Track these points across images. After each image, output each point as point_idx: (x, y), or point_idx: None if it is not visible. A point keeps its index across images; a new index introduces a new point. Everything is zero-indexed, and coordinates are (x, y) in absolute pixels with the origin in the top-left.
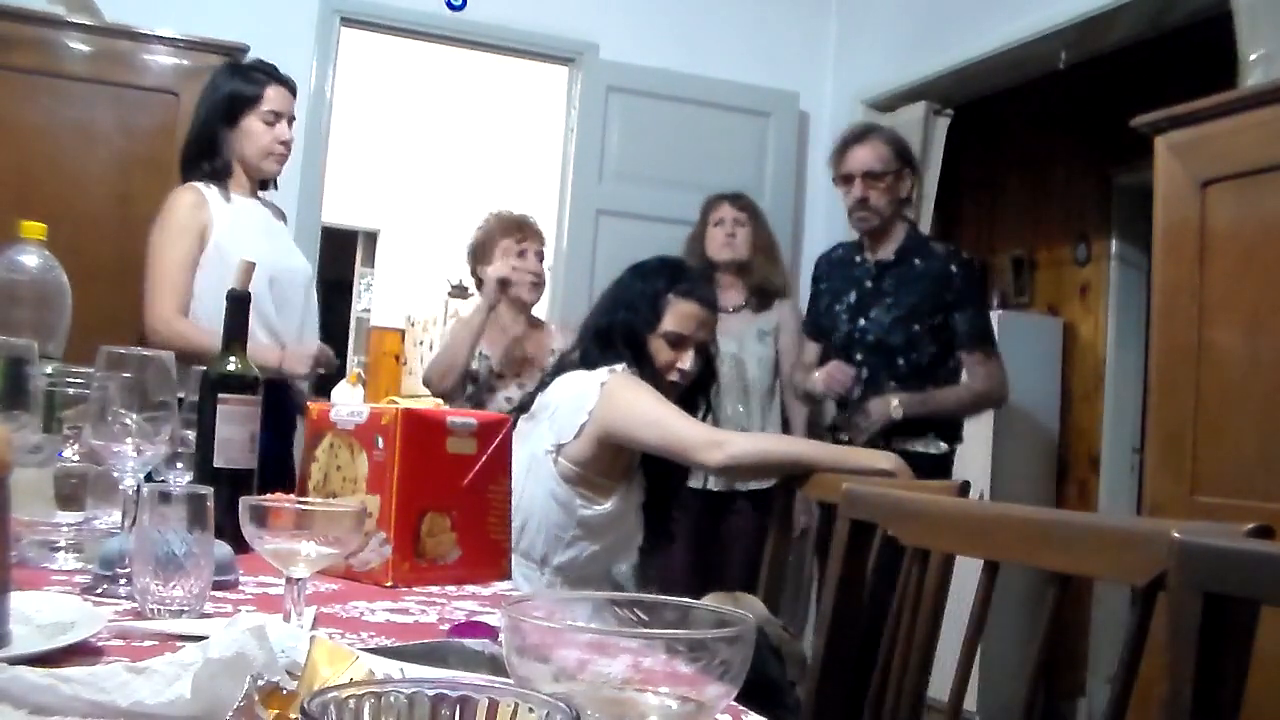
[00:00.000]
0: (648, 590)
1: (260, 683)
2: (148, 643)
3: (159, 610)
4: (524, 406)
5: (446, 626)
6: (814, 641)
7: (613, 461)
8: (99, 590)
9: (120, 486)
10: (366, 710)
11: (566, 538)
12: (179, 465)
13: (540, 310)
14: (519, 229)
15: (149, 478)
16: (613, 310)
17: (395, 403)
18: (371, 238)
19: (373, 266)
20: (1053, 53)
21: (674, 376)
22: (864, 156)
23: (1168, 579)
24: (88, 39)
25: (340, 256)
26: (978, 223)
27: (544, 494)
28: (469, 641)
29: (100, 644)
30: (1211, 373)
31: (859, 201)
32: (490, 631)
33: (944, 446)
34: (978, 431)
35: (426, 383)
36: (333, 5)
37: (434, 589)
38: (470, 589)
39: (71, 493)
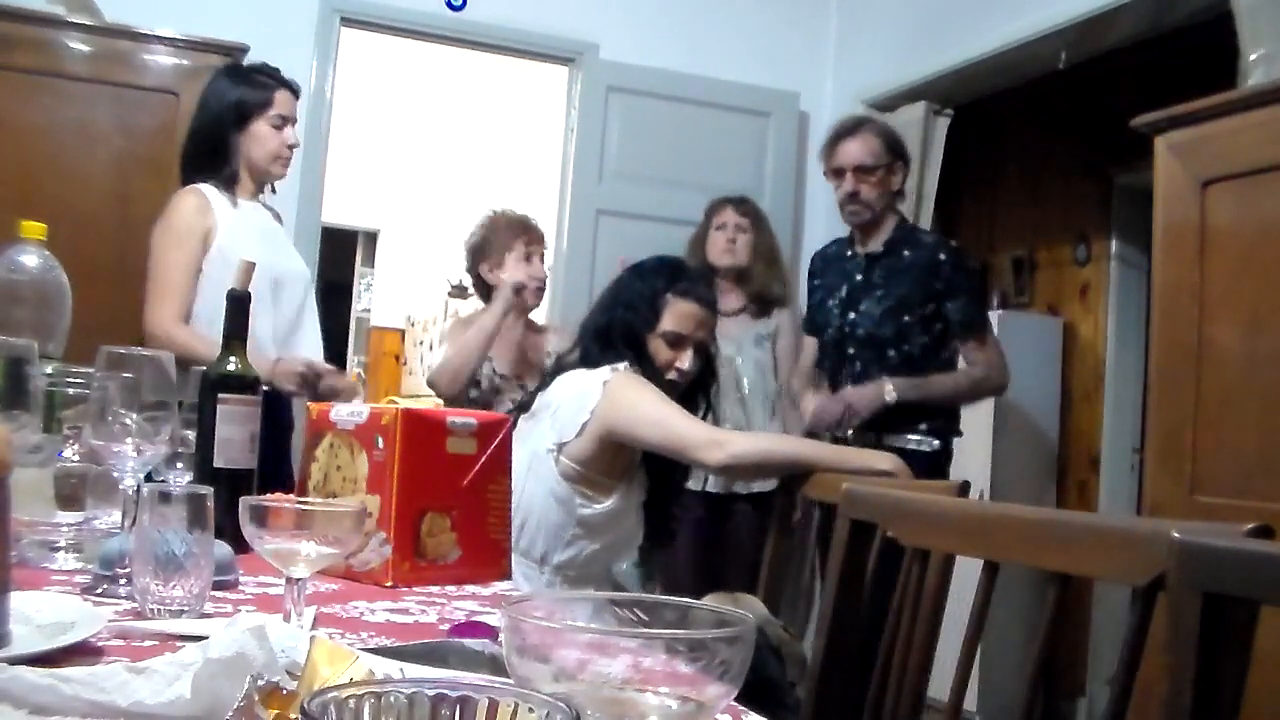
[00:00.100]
0: (651, 591)
1: (260, 683)
2: (148, 643)
3: (159, 610)
4: (524, 406)
5: (446, 626)
6: (814, 641)
7: (614, 460)
8: (99, 590)
9: (120, 486)
10: (366, 710)
11: (566, 536)
12: (179, 465)
13: (540, 310)
14: (525, 230)
15: (149, 478)
16: (612, 310)
17: (395, 403)
18: (371, 238)
19: (373, 266)
20: (1053, 53)
21: (673, 375)
22: (854, 150)
23: (1168, 579)
24: (88, 39)
25: (340, 256)
26: (978, 223)
27: (544, 493)
28: (469, 641)
29: (100, 644)
30: (1211, 372)
31: (850, 195)
32: (490, 631)
33: (936, 443)
34: (977, 431)
35: (433, 385)
36: (333, 5)
37: (434, 589)
38: (470, 589)
39: (71, 493)
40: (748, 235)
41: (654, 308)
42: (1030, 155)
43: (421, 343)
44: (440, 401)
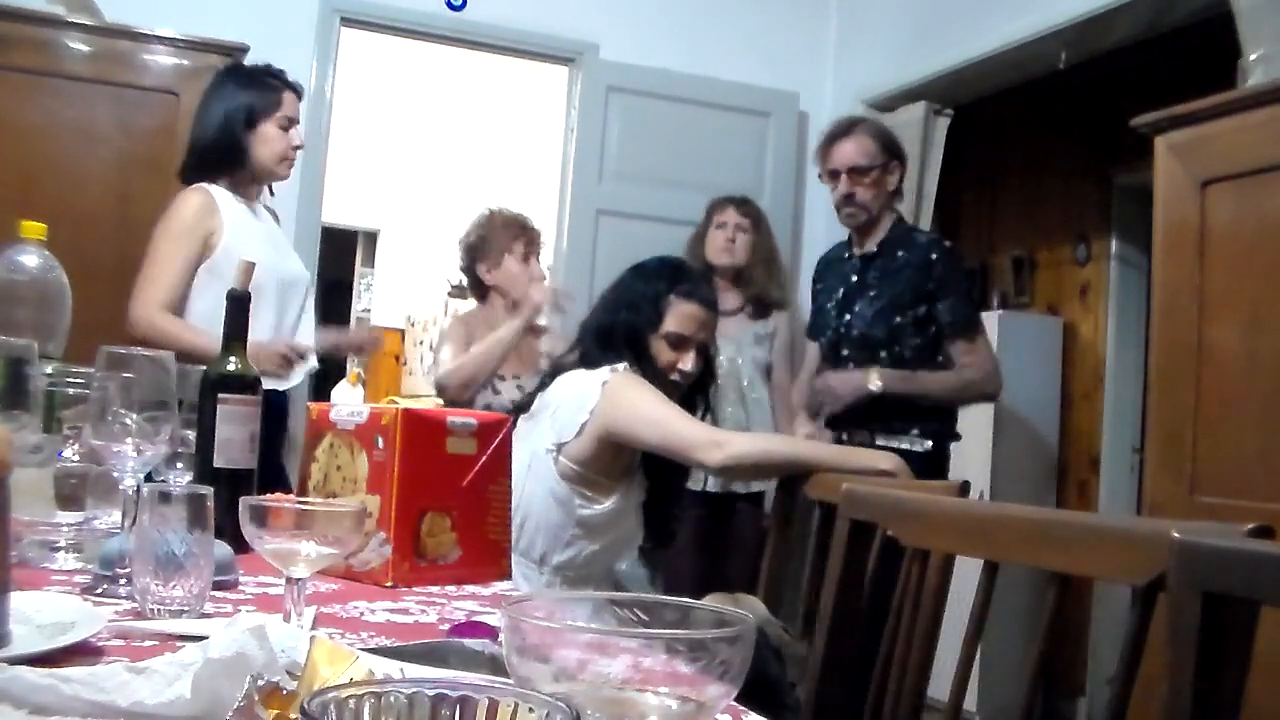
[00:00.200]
0: (652, 592)
1: (260, 683)
2: (148, 643)
3: (159, 610)
4: (524, 406)
5: (446, 626)
6: (814, 641)
7: (613, 461)
8: (99, 590)
9: (120, 486)
10: (366, 710)
11: (565, 537)
12: (179, 465)
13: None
14: (523, 231)
15: (149, 478)
16: (614, 310)
17: (395, 403)
18: (371, 238)
19: (373, 266)
20: (1053, 53)
21: (675, 377)
22: (849, 151)
23: (1168, 579)
24: (88, 39)
25: (340, 256)
26: (978, 223)
27: (543, 493)
28: (469, 641)
29: (100, 644)
30: (1211, 372)
31: (845, 198)
32: (490, 631)
33: (929, 445)
34: (977, 432)
35: (441, 389)
36: (333, 5)
37: (434, 589)
38: (470, 589)
39: (71, 493)
40: (748, 235)
41: (657, 309)
42: (1030, 155)
43: (421, 343)
44: (440, 402)
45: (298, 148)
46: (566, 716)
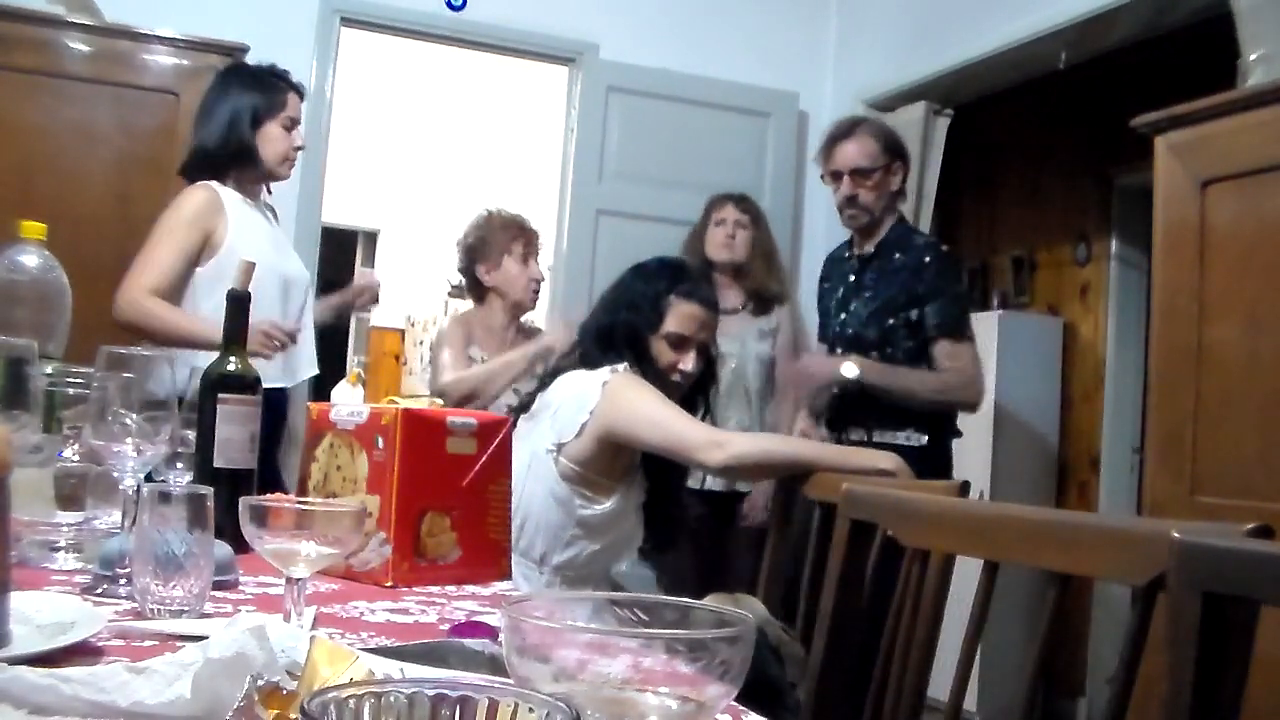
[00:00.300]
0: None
1: (260, 683)
2: (148, 643)
3: (159, 610)
4: (524, 406)
5: (446, 626)
6: (814, 641)
7: (613, 461)
8: (99, 590)
9: (120, 486)
10: (366, 710)
11: (565, 537)
12: (179, 465)
13: (540, 309)
14: (522, 232)
15: (149, 478)
16: (614, 311)
17: (395, 403)
18: (371, 238)
19: (373, 266)
20: (1053, 53)
21: (676, 378)
22: (851, 153)
23: (1168, 579)
24: (88, 39)
25: (340, 256)
26: (978, 223)
27: (544, 493)
28: (469, 641)
29: (100, 644)
30: (1211, 373)
31: (848, 199)
32: (490, 631)
33: (924, 440)
34: (977, 432)
35: (440, 396)
36: (333, 5)
37: (434, 589)
38: (470, 589)
39: (71, 493)
40: (747, 232)
41: (657, 309)
42: (1030, 155)
43: (421, 343)
44: (439, 401)
45: (299, 148)
46: (566, 716)
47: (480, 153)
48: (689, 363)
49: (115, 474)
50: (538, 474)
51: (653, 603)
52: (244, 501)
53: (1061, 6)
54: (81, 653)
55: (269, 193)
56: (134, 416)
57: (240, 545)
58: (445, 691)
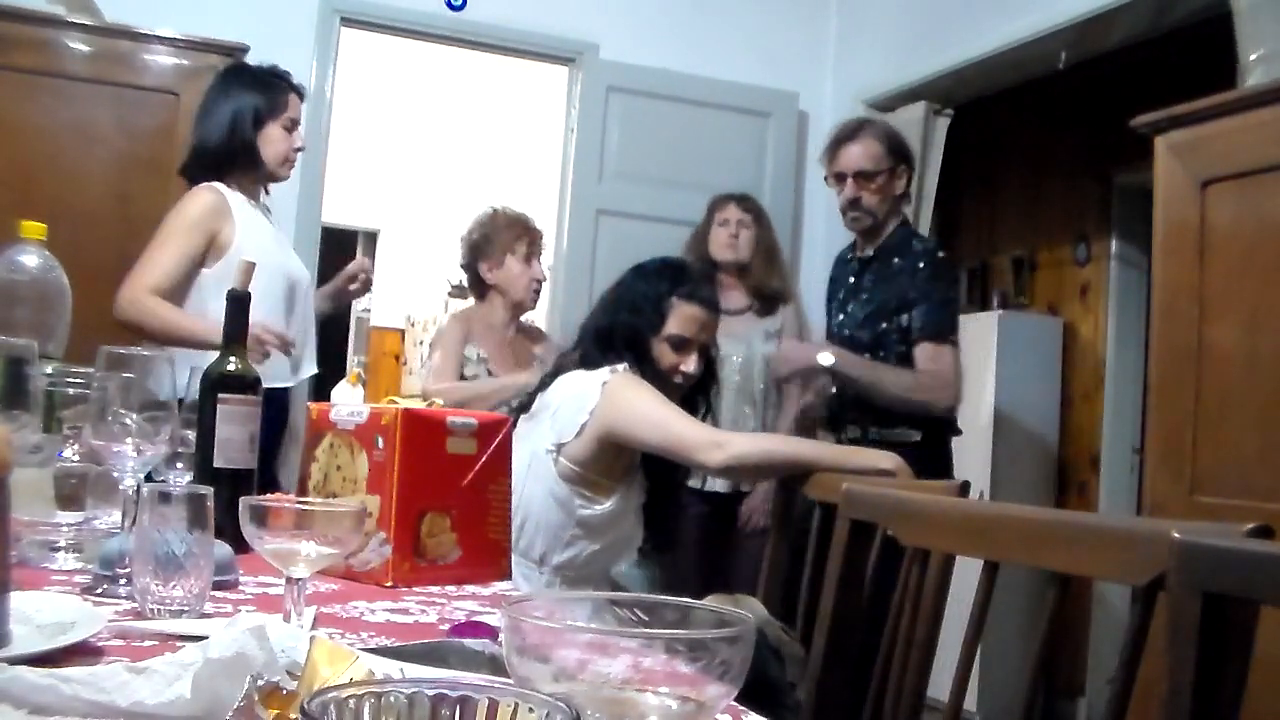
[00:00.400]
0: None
1: (260, 683)
2: (148, 643)
3: (159, 610)
4: (524, 406)
5: (446, 626)
6: (814, 641)
7: (613, 461)
8: (99, 590)
9: (120, 486)
10: (366, 710)
11: (565, 537)
12: (179, 465)
13: (540, 310)
14: (526, 231)
15: (149, 478)
16: (615, 312)
17: (395, 403)
18: (371, 238)
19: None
20: (1053, 53)
21: (678, 379)
22: (855, 155)
23: (1168, 579)
24: (88, 39)
25: (340, 256)
26: (978, 223)
27: (543, 493)
28: (469, 641)
29: (100, 644)
30: (1211, 373)
31: (851, 202)
32: (490, 631)
33: (917, 436)
34: (977, 432)
35: (426, 398)
36: (333, 5)
37: (434, 589)
38: (470, 589)
39: (71, 493)
40: (751, 231)
41: (659, 311)
42: (1030, 155)
43: (421, 343)
44: (438, 401)
45: (300, 149)
46: (566, 716)
47: (480, 153)
48: (691, 364)
49: (115, 474)
50: (538, 474)
51: (653, 603)
52: (244, 501)
53: (1061, 6)
54: (81, 653)
55: (267, 193)
56: (134, 416)
57: (240, 545)
58: (445, 691)
